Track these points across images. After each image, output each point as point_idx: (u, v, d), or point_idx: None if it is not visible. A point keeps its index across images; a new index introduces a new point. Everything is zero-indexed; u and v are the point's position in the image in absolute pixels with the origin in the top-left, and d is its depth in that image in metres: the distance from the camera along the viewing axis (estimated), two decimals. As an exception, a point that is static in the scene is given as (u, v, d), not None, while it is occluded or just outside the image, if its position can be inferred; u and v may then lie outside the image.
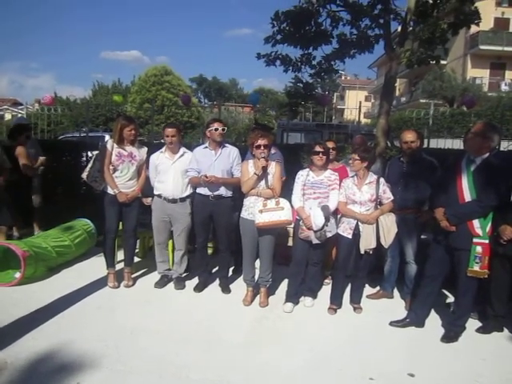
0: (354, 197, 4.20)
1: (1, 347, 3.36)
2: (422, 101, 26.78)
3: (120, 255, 5.17)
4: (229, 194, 4.66)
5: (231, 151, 4.68)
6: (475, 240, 3.62)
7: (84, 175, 4.88)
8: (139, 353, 3.42)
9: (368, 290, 4.91)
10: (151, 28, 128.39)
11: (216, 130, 4.55)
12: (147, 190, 4.89)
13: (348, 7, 6.31)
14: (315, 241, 4.23)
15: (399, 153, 5.05)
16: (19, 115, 15.85)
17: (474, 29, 24.02)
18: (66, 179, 7.31)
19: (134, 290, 4.81)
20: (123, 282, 4.88)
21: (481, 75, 29.05)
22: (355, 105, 11.61)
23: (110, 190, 4.66)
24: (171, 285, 4.94)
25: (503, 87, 28.08)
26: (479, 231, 3.62)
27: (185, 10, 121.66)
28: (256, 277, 4.65)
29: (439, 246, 3.88)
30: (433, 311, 4.28)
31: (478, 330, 4.03)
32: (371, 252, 4.18)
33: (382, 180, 4.26)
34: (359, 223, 4.20)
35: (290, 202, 4.36)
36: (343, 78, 52.32)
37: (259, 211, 4.23)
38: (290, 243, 5.20)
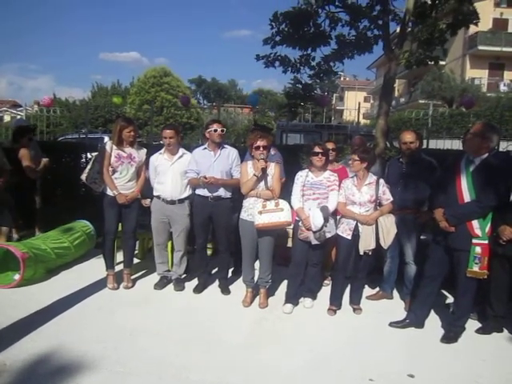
0: (353, 197, 4.20)
1: (0, 349, 3.35)
2: (421, 101, 26.84)
3: (119, 256, 5.16)
4: (228, 195, 4.66)
5: (230, 152, 4.68)
6: (474, 240, 3.61)
7: (83, 177, 4.89)
8: (139, 354, 3.41)
9: (367, 290, 4.91)
10: (150, 29, 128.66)
11: (215, 131, 4.55)
12: (146, 191, 4.89)
13: (347, 8, 6.32)
14: (314, 241, 4.23)
15: (398, 153, 5.06)
16: (18, 117, 15.87)
17: (472, 29, 24.18)
18: (66, 181, 7.31)
19: (133, 292, 4.81)
20: (123, 283, 4.87)
21: (479, 76, 29.10)
22: (354, 105, 11.64)
23: (109, 192, 4.66)
24: (171, 286, 4.93)
25: (502, 87, 28.10)
26: (478, 232, 3.62)
27: (184, 12, 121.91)
28: (255, 278, 4.64)
29: (438, 246, 3.88)
30: (432, 312, 4.28)
31: (478, 331, 4.03)
32: (370, 253, 4.18)
33: (381, 181, 4.26)
34: (358, 224, 4.20)
35: (290, 202, 4.36)
36: (342, 78, 52.39)
37: (259, 212, 4.23)
38: (290, 244, 5.19)
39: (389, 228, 4.12)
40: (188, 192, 4.77)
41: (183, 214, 4.76)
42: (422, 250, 4.35)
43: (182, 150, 4.79)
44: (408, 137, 4.47)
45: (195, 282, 4.97)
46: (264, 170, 4.28)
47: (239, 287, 4.80)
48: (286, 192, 4.50)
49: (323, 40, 6.66)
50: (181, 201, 4.74)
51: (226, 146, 4.77)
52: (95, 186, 4.81)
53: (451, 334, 3.87)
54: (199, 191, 4.64)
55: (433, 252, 3.96)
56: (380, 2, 6.14)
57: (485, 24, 26.64)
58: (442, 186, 3.90)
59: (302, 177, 4.39)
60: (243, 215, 4.45)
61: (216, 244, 5.27)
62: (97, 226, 5.83)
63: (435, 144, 9.95)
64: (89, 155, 7.81)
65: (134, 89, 31.82)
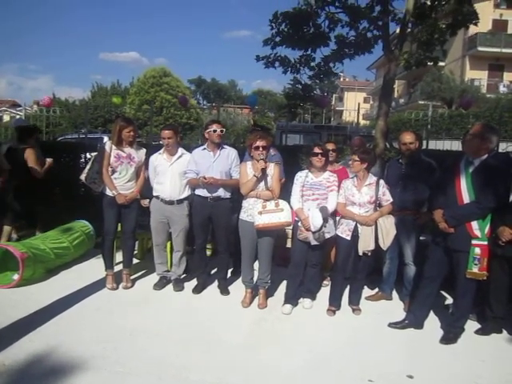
0: (353, 198, 4.20)
1: (-1, 349, 3.35)
2: (420, 102, 26.86)
3: (119, 257, 5.17)
4: (227, 195, 4.66)
5: (230, 152, 4.68)
6: (474, 242, 3.62)
7: (82, 177, 4.88)
8: (138, 354, 3.41)
9: (367, 291, 4.91)
10: (150, 29, 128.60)
11: (214, 131, 4.55)
12: (145, 191, 4.89)
13: (346, 9, 6.33)
14: (314, 242, 4.23)
15: (398, 154, 5.06)
16: (18, 117, 15.85)
17: (472, 30, 24.21)
18: (65, 181, 7.30)
19: (132, 292, 4.80)
20: (122, 283, 4.87)
21: (479, 77, 29.12)
22: (354, 106, 11.63)
23: (108, 192, 4.66)
24: (170, 286, 4.93)
25: (501, 89, 28.14)
26: (478, 233, 3.62)
27: (184, 12, 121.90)
28: (255, 278, 4.64)
29: (438, 247, 3.89)
30: (432, 313, 4.28)
31: (477, 332, 4.03)
32: (370, 254, 4.18)
33: (381, 182, 4.26)
34: (358, 225, 4.20)
35: (289, 203, 4.36)
36: (342, 79, 52.41)
37: (258, 213, 4.23)
38: (289, 245, 5.19)
39: (388, 229, 4.13)
40: (187, 192, 4.77)
41: (182, 214, 4.76)
42: (422, 251, 4.35)
43: (181, 150, 4.79)
44: (407, 137, 4.48)
45: (194, 282, 4.96)
46: (264, 171, 4.28)
47: (238, 288, 4.80)
48: (285, 192, 4.50)
49: (323, 41, 6.66)
50: (180, 201, 4.74)
51: (225, 146, 4.77)
52: (94, 186, 4.81)
53: (450, 335, 3.87)
54: (198, 191, 4.64)
55: (432, 253, 3.96)
56: (380, 3, 6.14)
57: (484, 25, 26.63)
58: (441, 187, 3.90)
59: (301, 177, 4.39)
60: (243, 216, 4.44)
61: (215, 244, 5.27)
62: (96, 226, 5.82)
63: (435, 145, 9.95)
64: (88, 155, 7.79)
65: (133, 89, 31.84)
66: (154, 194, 4.79)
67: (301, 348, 3.65)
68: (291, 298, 4.48)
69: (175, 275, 4.93)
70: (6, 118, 22.89)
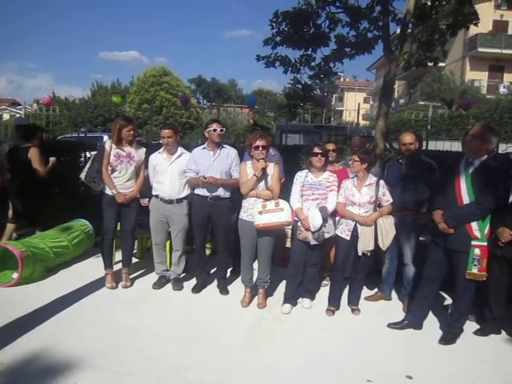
0: (353, 198, 4.20)
1: (-2, 348, 3.35)
2: (420, 103, 26.88)
3: (118, 256, 5.16)
4: (227, 194, 4.66)
5: (230, 152, 4.68)
6: (473, 242, 3.62)
7: (82, 176, 4.89)
8: (137, 353, 3.41)
9: (366, 291, 4.91)
10: (150, 28, 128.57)
11: (214, 130, 4.55)
12: (145, 190, 4.89)
13: (347, 9, 6.33)
14: (313, 242, 4.23)
15: (398, 155, 5.06)
16: (17, 115, 15.83)
17: (472, 31, 24.21)
18: (65, 180, 7.29)
19: (132, 291, 4.80)
20: (121, 282, 4.87)
21: (479, 77, 29.12)
22: (354, 106, 11.64)
23: (108, 191, 4.66)
24: (169, 285, 4.93)
25: (501, 90, 28.14)
26: (477, 233, 3.62)
27: (184, 11, 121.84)
28: (254, 278, 4.64)
29: (437, 248, 3.89)
30: (431, 313, 4.28)
31: (476, 333, 4.03)
32: (369, 254, 4.18)
33: (381, 182, 4.26)
34: (358, 225, 4.20)
35: (289, 203, 4.36)
36: (342, 79, 52.42)
37: (259, 212, 4.22)
38: (288, 244, 5.19)
39: (388, 229, 4.13)
40: (186, 191, 4.77)
41: (181, 213, 4.76)
42: (421, 252, 4.35)
43: (180, 150, 4.79)
44: (407, 138, 4.47)
45: (194, 281, 4.96)
46: (264, 170, 4.28)
47: (238, 287, 4.80)
48: (285, 192, 4.49)
49: (323, 40, 6.66)
50: (179, 200, 4.74)
51: (225, 145, 4.77)
52: (94, 185, 4.80)
53: (449, 336, 3.87)
54: (198, 191, 4.64)
55: (432, 253, 3.96)
56: (380, 3, 6.14)
57: (485, 26, 26.65)
58: (441, 187, 3.90)
59: (301, 177, 4.39)
60: (243, 215, 4.44)
61: (215, 244, 5.27)
62: (96, 225, 5.82)
63: (435, 145, 9.95)
64: (88, 154, 7.79)
65: (133, 88, 31.76)
66: (154, 193, 4.78)
67: (300, 348, 3.65)
68: (290, 298, 4.48)
69: (174, 274, 4.93)
70: (6, 116, 22.84)
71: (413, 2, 5.70)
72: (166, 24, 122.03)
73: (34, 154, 5.60)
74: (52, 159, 5.98)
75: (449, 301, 4.67)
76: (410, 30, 6.18)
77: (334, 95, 54.99)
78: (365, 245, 4.13)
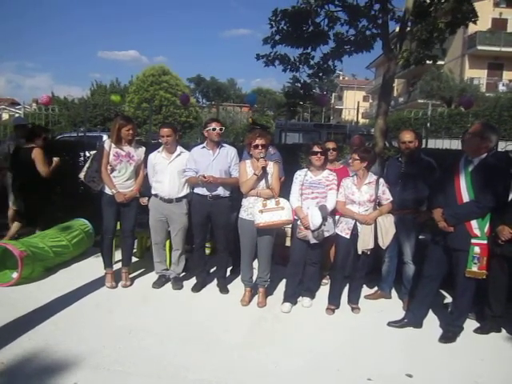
0: (352, 196, 4.20)
1: (-2, 348, 3.35)
2: (420, 101, 26.87)
3: (118, 255, 5.16)
4: (227, 193, 4.65)
5: (229, 151, 4.68)
6: (473, 240, 3.62)
7: (82, 175, 4.88)
8: (137, 353, 3.41)
9: (366, 290, 4.91)
10: (149, 28, 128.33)
11: (214, 129, 4.54)
12: (145, 189, 4.88)
13: (346, 8, 6.33)
14: (313, 240, 4.23)
15: (397, 153, 5.06)
16: (17, 115, 15.81)
17: (471, 29, 24.18)
18: (64, 179, 7.28)
19: (131, 290, 4.80)
20: (121, 281, 4.86)
21: (478, 76, 29.09)
22: (353, 105, 11.63)
23: (107, 190, 4.65)
24: (169, 285, 4.92)
25: (501, 88, 28.12)
26: (477, 232, 3.62)
27: (183, 10, 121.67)
28: (254, 277, 4.64)
29: (437, 246, 3.88)
30: (431, 312, 4.27)
31: (476, 331, 4.03)
32: (369, 252, 4.18)
33: (381, 181, 4.26)
34: (357, 223, 4.20)
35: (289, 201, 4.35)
36: (341, 78, 52.39)
37: (259, 211, 4.21)
38: (288, 243, 5.19)
39: (387, 228, 4.12)
40: (186, 191, 4.76)
41: (181, 212, 4.76)
42: (421, 250, 4.35)
43: (179, 149, 4.78)
44: (407, 136, 4.47)
45: (193, 280, 4.96)
46: (264, 169, 4.28)
47: (237, 286, 4.80)
48: (285, 191, 4.49)
49: (322, 39, 6.67)
50: (178, 199, 4.73)
51: (224, 144, 4.76)
52: (93, 184, 4.80)
53: (449, 334, 3.87)
54: (198, 190, 4.64)
55: (432, 252, 3.96)
56: (379, 1, 6.14)
57: (484, 24, 26.65)
58: (440, 185, 3.90)
59: (300, 176, 4.38)
60: (243, 214, 4.44)
61: (214, 243, 5.27)
62: (95, 225, 5.82)
63: (434, 144, 9.96)
64: (87, 154, 7.77)
65: (132, 87, 31.77)
66: (153, 192, 4.78)
67: (300, 346, 3.65)
68: (290, 297, 4.48)
69: (174, 274, 4.92)
70: (5, 116, 22.81)
71: None
72: (166, 23, 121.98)
73: (37, 155, 5.58)
74: (55, 159, 5.97)
75: (449, 299, 4.67)
76: (409, 28, 6.18)
77: (334, 94, 54.93)
78: (365, 243, 4.13)
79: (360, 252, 4.17)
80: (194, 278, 4.98)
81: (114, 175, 4.64)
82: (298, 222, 4.30)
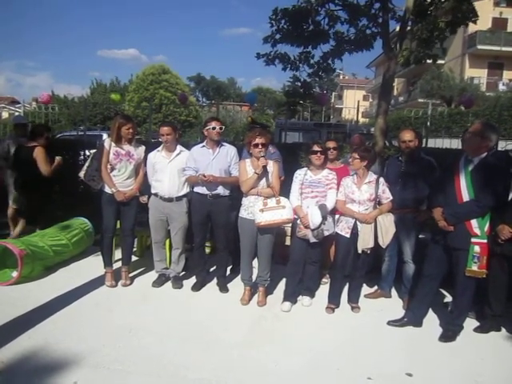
0: (352, 196, 4.20)
1: (-3, 347, 3.35)
2: (420, 100, 26.84)
3: (117, 254, 5.16)
4: (227, 193, 4.65)
5: (229, 150, 4.67)
6: (473, 240, 3.61)
7: (81, 174, 4.87)
8: (137, 352, 3.41)
9: (366, 289, 4.91)
10: (149, 27, 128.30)
11: (214, 128, 4.54)
12: (144, 188, 4.88)
13: (346, 6, 6.32)
14: (313, 239, 4.22)
15: (397, 152, 5.05)
16: (16, 114, 15.79)
17: (471, 28, 24.16)
18: (64, 178, 7.28)
19: (131, 289, 4.80)
20: (121, 280, 4.86)
21: (479, 75, 29.08)
22: (353, 104, 11.63)
23: (107, 189, 4.65)
24: (169, 284, 4.92)
25: (501, 87, 28.12)
26: (477, 231, 3.62)
27: (183, 9, 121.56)
28: (254, 276, 4.64)
29: (437, 245, 3.88)
30: (431, 311, 4.27)
31: (476, 330, 4.03)
32: (369, 252, 4.18)
33: (381, 180, 4.26)
34: (357, 222, 4.20)
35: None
36: (341, 77, 52.41)
37: (260, 210, 4.21)
38: (288, 242, 5.19)
39: (387, 227, 4.12)
40: (186, 190, 4.76)
41: (181, 211, 4.76)
42: (421, 249, 4.35)
43: (179, 148, 4.78)
44: (407, 135, 4.46)
45: (193, 279, 4.96)
46: (264, 168, 4.27)
47: (237, 285, 4.80)
48: (285, 190, 4.48)
49: (322, 38, 6.66)
50: (178, 198, 4.73)
51: (224, 143, 4.76)
52: (93, 183, 4.79)
53: (449, 333, 3.87)
54: (198, 189, 4.63)
55: (432, 251, 3.96)
56: (379, 0, 6.14)
57: (484, 23, 26.65)
58: (440, 185, 3.89)
59: (300, 175, 4.38)
60: (243, 213, 4.43)
61: (214, 242, 5.26)
62: (95, 224, 5.81)
63: (434, 143, 9.96)
64: (87, 152, 7.77)
65: (132, 86, 31.72)
66: (153, 191, 4.78)
67: (300, 346, 3.65)
68: (290, 296, 4.48)
69: (174, 273, 4.92)
70: (5, 115, 22.83)
71: (412, -1, 5.69)
72: (166, 22, 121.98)
73: (39, 154, 5.57)
74: (57, 158, 5.96)
75: (449, 298, 4.67)
76: (409, 28, 6.17)
77: (334, 93, 54.92)
78: (364, 242, 4.12)
79: (360, 251, 4.17)
80: (194, 277, 4.98)
81: (113, 174, 4.64)
82: (298, 221, 4.29)
